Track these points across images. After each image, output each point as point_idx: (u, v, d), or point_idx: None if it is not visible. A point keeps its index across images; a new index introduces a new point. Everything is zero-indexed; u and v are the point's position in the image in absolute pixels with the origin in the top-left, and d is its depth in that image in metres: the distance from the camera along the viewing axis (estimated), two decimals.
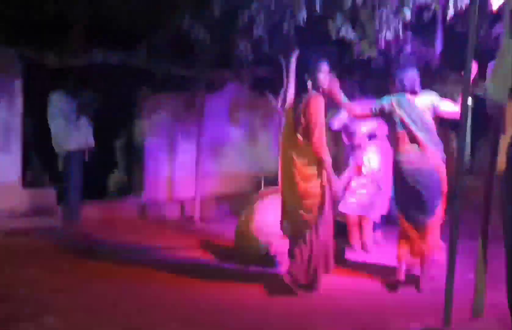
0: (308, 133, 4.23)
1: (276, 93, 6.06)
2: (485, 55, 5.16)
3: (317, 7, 4.43)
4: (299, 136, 4.30)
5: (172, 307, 4.00)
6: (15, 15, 4.64)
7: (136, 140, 7.80)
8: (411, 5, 4.27)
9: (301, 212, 4.31)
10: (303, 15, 4.31)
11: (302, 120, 4.26)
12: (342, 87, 7.42)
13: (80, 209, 6.78)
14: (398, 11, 4.35)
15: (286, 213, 4.53)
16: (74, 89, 6.59)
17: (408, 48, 5.40)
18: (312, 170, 4.28)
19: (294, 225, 4.44)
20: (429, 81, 7.99)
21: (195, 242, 6.20)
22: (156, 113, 7.71)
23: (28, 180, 6.99)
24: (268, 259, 5.35)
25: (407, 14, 4.29)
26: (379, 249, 5.83)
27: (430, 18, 5.03)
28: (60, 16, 4.95)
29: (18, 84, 6.41)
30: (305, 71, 4.35)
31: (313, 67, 4.32)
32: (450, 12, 4.22)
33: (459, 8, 4.19)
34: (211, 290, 4.50)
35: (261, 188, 7.73)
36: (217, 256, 5.68)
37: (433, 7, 4.15)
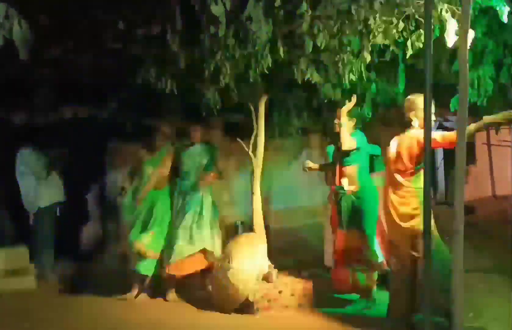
0: (408, 169, 4.38)
1: (247, 138, 6.10)
2: (447, 89, 5.34)
3: (281, 53, 4.51)
4: (397, 176, 4.43)
5: None
6: None
7: (109, 192, 7.73)
8: (370, 48, 4.39)
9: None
10: (267, 62, 4.38)
11: (405, 157, 4.40)
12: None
13: (54, 266, 6.65)
14: (359, 54, 4.47)
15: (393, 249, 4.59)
16: (43, 145, 6.54)
17: (372, 88, 5.53)
18: (412, 209, 4.35)
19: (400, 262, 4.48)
20: (396, 117, 8.22)
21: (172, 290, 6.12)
22: (128, 164, 7.67)
23: None
24: (245, 306, 5.30)
25: (367, 57, 4.41)
26: None
27: (392, 58, 5.18)
28: (26, 76, 4.95)
29: None
30: (410, 110, 4.49)
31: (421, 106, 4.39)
32: (409, 51, 4.35)
33: (417, 47, 4.32)
34: None
35: (237, 233, 7.70)
36: (195, 304, 5.62)
37: (391, 48, 4.26)
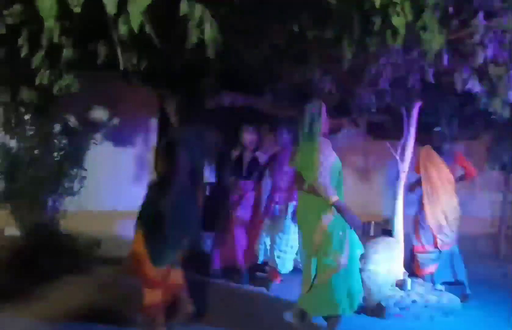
0: None
1: (393, 140, 6.08)
2: None
3: (444, 61, 4.47)
4: None
5: None
6: (158, 62, 5.07)
7: None
8: None
9: None
10: (432, 71, 4.37)
11: None
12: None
13: None
14: None
15: None
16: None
17: None
18: None
19: None
20: None
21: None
22: None
23: None
24: (377, 309, 5.36)
25: None
26: None
27: None
28: (196, 64, 5.31)
29: (154, 121, 7.06)
30: None
31: None
32: None
33: None
34: None
35: (369, 233, 7.70)
36: None
37: None
